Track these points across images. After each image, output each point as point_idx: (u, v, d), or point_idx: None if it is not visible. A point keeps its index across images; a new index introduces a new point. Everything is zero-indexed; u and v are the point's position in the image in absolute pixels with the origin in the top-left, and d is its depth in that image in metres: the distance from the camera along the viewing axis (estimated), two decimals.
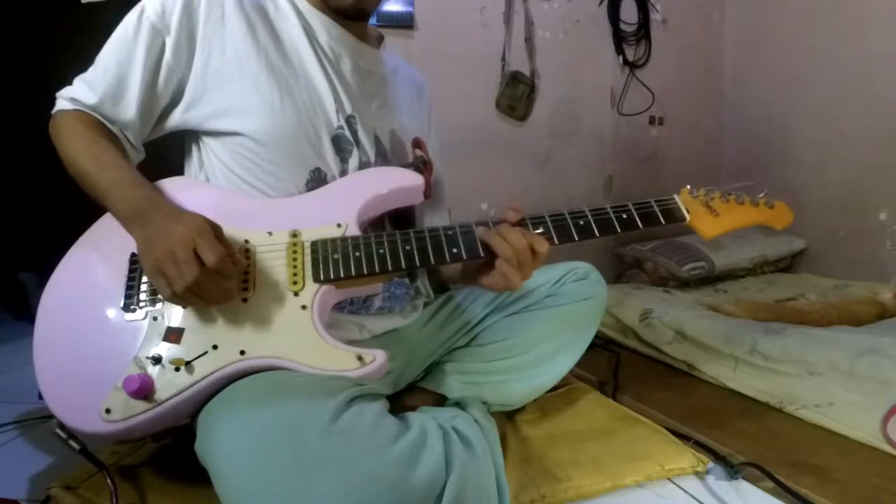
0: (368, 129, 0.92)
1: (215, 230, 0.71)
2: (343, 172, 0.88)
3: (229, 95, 0.83)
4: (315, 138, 0.86)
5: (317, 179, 0.86)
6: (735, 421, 1.16)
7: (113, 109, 0.84)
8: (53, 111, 0.86)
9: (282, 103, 0.84)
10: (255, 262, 0.77)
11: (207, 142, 0.87)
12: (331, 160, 0.87)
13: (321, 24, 0.91)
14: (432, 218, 1.07)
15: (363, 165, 0.90)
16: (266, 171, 0.84)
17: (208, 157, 0.88)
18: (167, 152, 0.94)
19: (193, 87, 0.84)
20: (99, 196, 0.79)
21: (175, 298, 0.69)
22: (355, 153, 0.89)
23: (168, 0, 0.82)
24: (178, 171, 0.93)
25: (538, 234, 0.81)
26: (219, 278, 0.69)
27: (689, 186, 0.89)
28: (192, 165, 0.91)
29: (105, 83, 0.83)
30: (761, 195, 0.90)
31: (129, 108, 0.83)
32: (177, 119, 0.86)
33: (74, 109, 0.84)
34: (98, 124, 0.84)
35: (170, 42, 0.82)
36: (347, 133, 0.89)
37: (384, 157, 0.94)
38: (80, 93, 0.84)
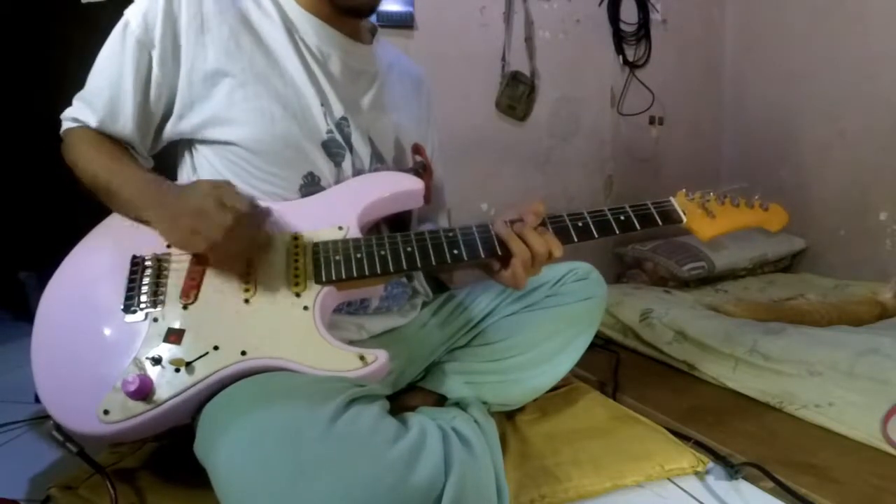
0: (362, 130, 0.91)
1: (229, 184, 0.74)
2: (337, 176, 0.88)
3: (216, 105, 0.83)
4: (305, 144, 0.86)
5: (311, 184, 0.86)
6: (735, 421, 1.16)
7: (113, 127, 0.85)
8: (61, 131, 0.88)
9: (270, 110, 0.84)
10: (257, 263, 0.77)
11: (200, 149, 0.87)
12: (323, 164, 0.87)
13: (309, 24, 0.89)
14: (433, 219, 1.07)
15: (357, 168, 0.90)
16: (258, 178, 0.84)
17: (201, 163, 0.88)
18: (166, 157, 0.94)
19: (181, 98, 0.84)
20: (111, 195, 0.81)
21: (214, 251, 0.71)
22: (348, 156, 0.89)
23: (150, 13, 0.82)
24: (173, 176, 0.93)
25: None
26: (250, 222, 0.71)
27: (684, 189, 0.90)
28: (184, 172, 0.91)
29: (101, 103, 0.84)
30: (756, 197, 0.91)
31: (126, 126, 0.85)
32: (170, 130, 0.87)
33: (80, 127, 0.86)
34: (104, 136, 0.86)
35: (156, 56, 0.83)
36: (338, 136, 0.88)
37: (379, 158, 0.93)
38: (80, 113, 0.86)
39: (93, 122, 0.85)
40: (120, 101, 0.84)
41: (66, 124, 0.88)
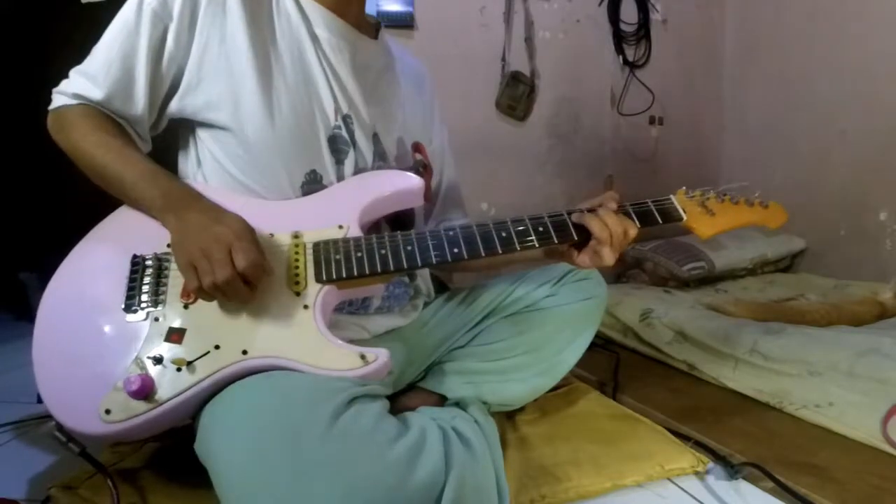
0: (366, 127, 0.91)
1: (252, 235, 0.73)
2: (339, 174, 0.88)
3: (224, 88, 0.82)
4: (311, 139, 0.86)
5: (312, 181, 0.86)
6: (735, 421, 1.16)
7: (123, 105, 0.83)
8: (52, 107, 0.84)
9: (279, 102, 0.83)
10: None
11: (204, 140, 0.86)
12: (327, 161, 0.87)
13: (319, 15, 0.88)
14: (450, 217, 1.08)
15: (360, 167, 0.89)
16: (261, 173, 0.84)
17: (204, 155, 0.87)
18: (164, 156, 0.94)
19: (189, 74, 0.83)
20: (125, 188, 0.79)
21: (200, 292, 0.71)
22: (351, 154, 0.89)
23: None
24: (172, 171, 0.92)
25: (537, 234, 0.83)
26: (245, 282, 0.70)
27: (684, 187, 0.90)
28: (189, 164, 0.89)
29: (111, 78, 0.81)
30: (756, 195, 0.91)
31: (139, 103, 0.83)
32: (174, 107, 0.85)
33: (79, 105, 0.83)
34: (106, 118, 0.83)
35: (172, 29, 0.81)
36: (344, 133, 0.88)
37: (382, 156, 0.93)
38: (82, 88, 0.82)
39: (98, 96, 0.81)
40: (133, 77, 0.81)
41: (61, 100, 0.83)
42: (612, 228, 0.81)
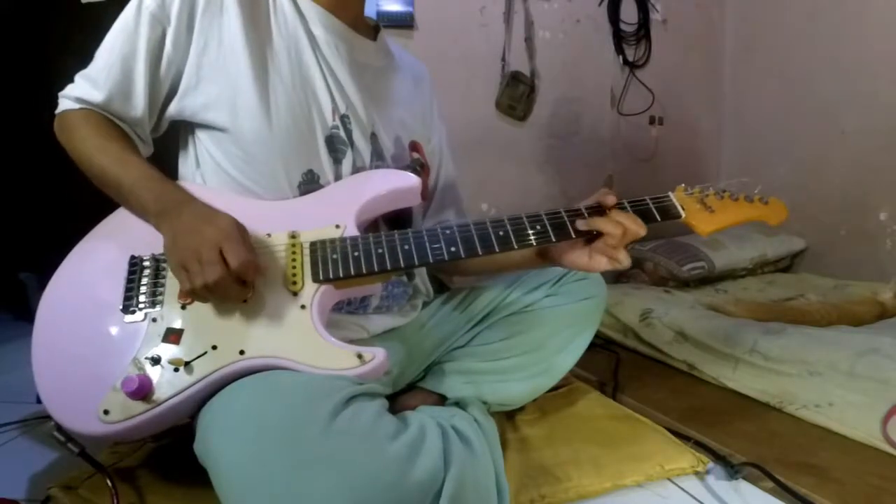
0: (364, 127, 0.91)
1: (243, 235, 0.73)
2: (336, 174, 0.88)
3: (223, 89, 0.82)
4: (309, 139, 0.86)
5: (310, 181, 0.86)
6: (735, 421, 1.16)
7: (123, 107, 0.84)
8: (57, 111, 0.86)
9: (276, 103, 0.83)
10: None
11: (203, 141, 0.86)
12: (325, 161, 0.87)
13: (316, 14, 0.88)
14: (447, 216, 1.08)
15: (357, 166, 0.89)
16: (259, 173, 0.84)
17: (203, 156, 0.87)
18: (165, 154, 0.94)
19: (188, 75, 0.83)
20: (123, 192, 0.80)
21: (193, 294, 0.71)
22: (349, 154, 0.88)
23: None
24: (172, 172, 0.93)
25: (535, 232, 0.82)
26: (238, 281, 0.70)
27: (683, 184, 0.89)
28: (188, 165, 0.90)
29: (111, 80, 0.82)
30: (756, 191, 0.90)
31: (138, 105, 0.84)
32: (174, 108, 0.85)
33: (81, 108, 0.84)
34: (107, 121, 0.84)
35: (170, 32, 0.82)
36: (342, 133, 0.88)
37: (380, 156, 0.93)
38: (84, 91, 0.84)
39: (98, 99, 0.83)
40: (132, 79, 0.82)
41: (65, 104, 0.85)
42: (628, 227, 0.80)
